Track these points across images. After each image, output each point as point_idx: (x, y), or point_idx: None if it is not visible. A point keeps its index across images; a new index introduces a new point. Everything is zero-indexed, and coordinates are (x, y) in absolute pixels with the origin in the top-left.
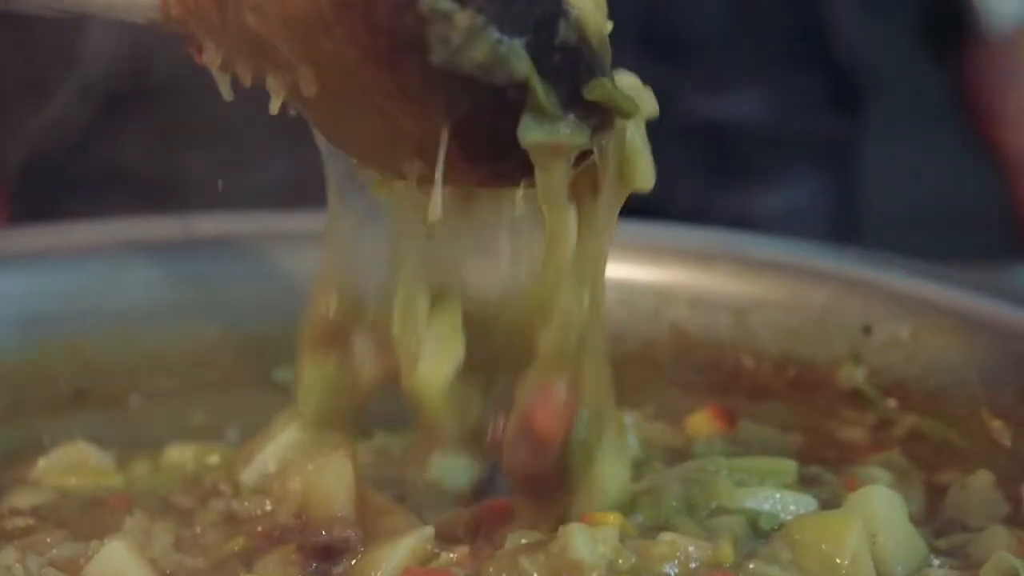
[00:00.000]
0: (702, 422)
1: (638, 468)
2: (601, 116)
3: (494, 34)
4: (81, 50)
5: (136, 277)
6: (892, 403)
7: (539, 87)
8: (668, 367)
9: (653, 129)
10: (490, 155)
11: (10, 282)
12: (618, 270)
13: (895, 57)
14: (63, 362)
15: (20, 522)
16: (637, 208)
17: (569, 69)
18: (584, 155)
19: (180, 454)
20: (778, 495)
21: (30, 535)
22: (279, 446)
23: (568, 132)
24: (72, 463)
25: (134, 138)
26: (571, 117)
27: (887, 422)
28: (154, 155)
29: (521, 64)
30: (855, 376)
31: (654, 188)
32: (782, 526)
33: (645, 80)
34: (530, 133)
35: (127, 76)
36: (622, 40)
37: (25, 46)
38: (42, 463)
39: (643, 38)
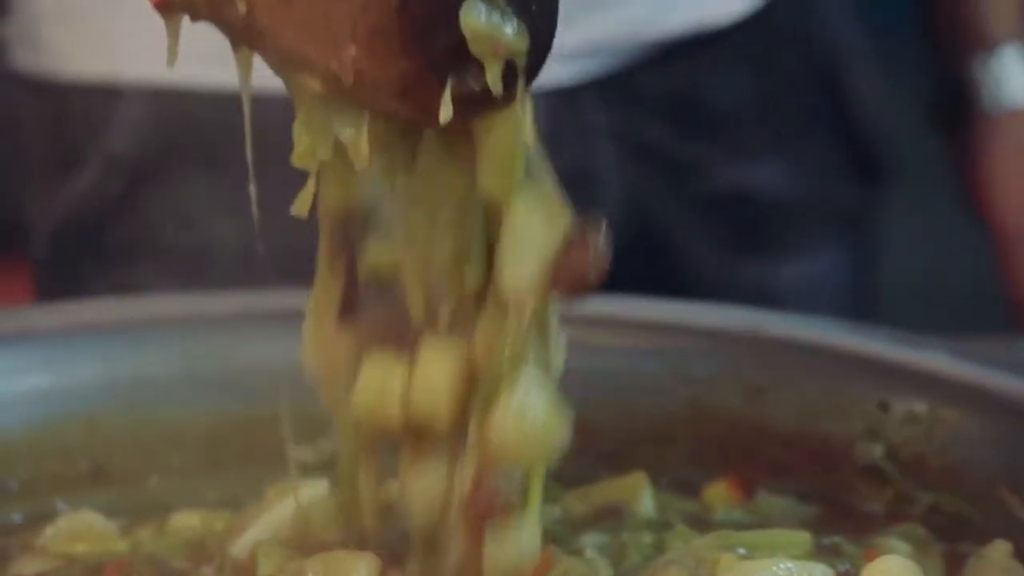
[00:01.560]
0: (719, 493)
1: (658, 531)
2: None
3: None
4: (111, 121)
5: (154, 353)
6: (910, 479)
7: None
8: (684, 443)
9: (676, 199)
10: (429, 35)
11: (30, 358)
12: (634, 346)
13: (915, 131)
14: (81, 438)
15: None
16: (658, 276)
17: None
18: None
19: (186, 520)
20: (791, 565)
21: None
22: (272, 520)
23: (510, 33)
24: (79, 530)
25: (163, 210)
26: (514, 19)
27: (905, 498)
28: (183, 227)
29: None
30: (872, 452)
31: (678, 256)
32: None
33: (668, 149)
34: (472, 15)
35: (156, 147)
36: (646, 110)
37: (54, 117)
38: (49, 531)
39: (666, 108)
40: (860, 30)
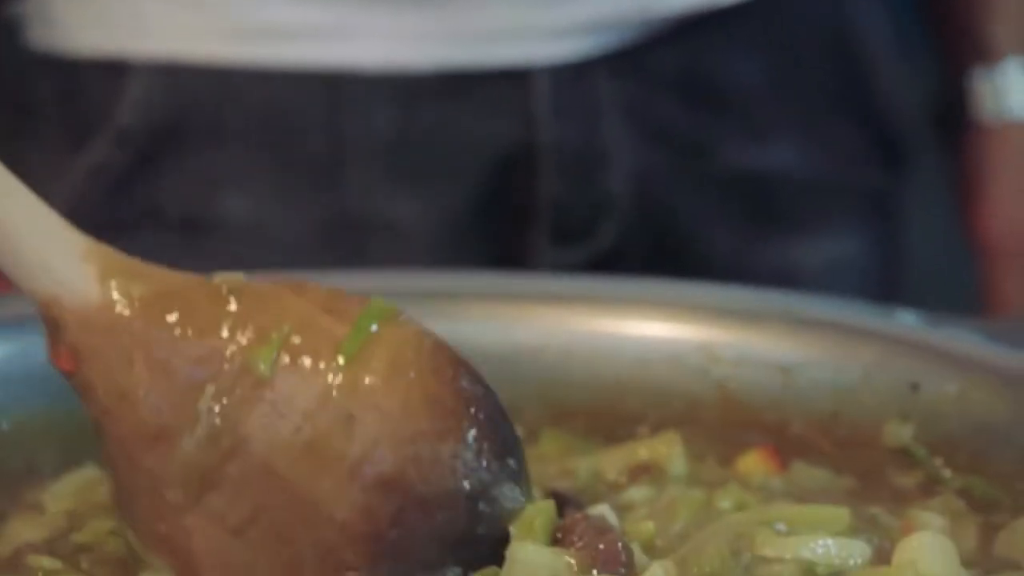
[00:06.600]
0: (754, 462)
1: (708, 488)
2: None
3: None
4: (121, 96)
5: None
6: (939, 461)
7: None
8: (714, 425)
9: (689, 178)
10: None
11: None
12: (664, 328)
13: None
14: None
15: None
16: (676, 256)
17: None
18: None
19: None
20: (830, 542)
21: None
22: None
23: None
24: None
25: (172, 185)
26: None
27: (935, 480)
28: (193, 199)
29: None
30: (902, 434)
31: (692, 236)
32: (836, 575)
33: (681, 128)
34: None
35: (166, 123)
36: (658, 88)
37: (65, 93)
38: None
39: (681, 88)
40: (882, 8)
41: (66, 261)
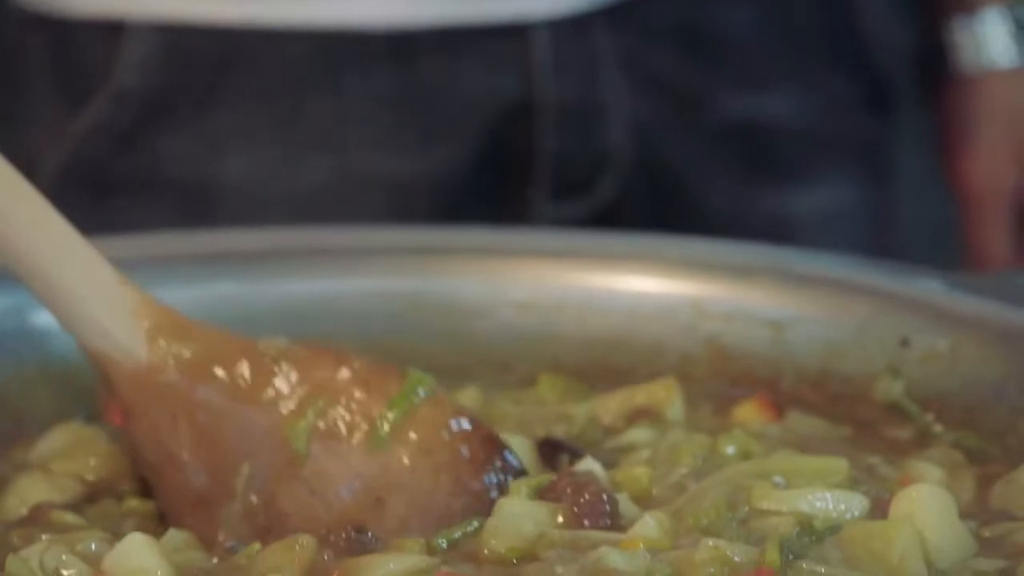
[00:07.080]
0: (749, 412)
1: (712, 434)
2: None
3: None
4: (117, 57)
5: (173, 293)
6: (930, 416)
7: None
8: (705, 381)
9: (686, 129)
10: None
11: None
12: (655, 283)
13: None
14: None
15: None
16: (675, 208)
17: None
18: None
19: None
20: (828, 495)
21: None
22: None
23: None
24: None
25: (170, 146)
26: None
27: (926, 435)
28: (193, 160)
29: None
30: (893, 389)
31: (689, 187)
32: (833, 528)
33: (678, 79)
34: None
35: (163, 83)
36: (655, 40)
37: (60, 54)
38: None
39: (677, 37)
40: None
41: (118, 318)
